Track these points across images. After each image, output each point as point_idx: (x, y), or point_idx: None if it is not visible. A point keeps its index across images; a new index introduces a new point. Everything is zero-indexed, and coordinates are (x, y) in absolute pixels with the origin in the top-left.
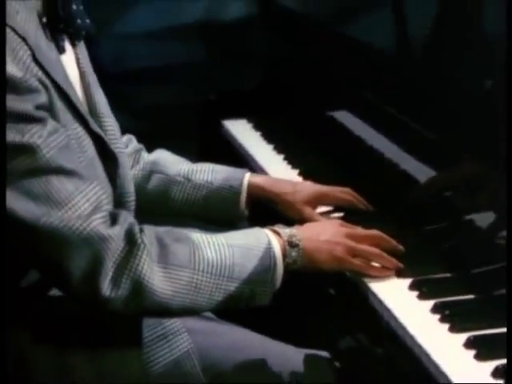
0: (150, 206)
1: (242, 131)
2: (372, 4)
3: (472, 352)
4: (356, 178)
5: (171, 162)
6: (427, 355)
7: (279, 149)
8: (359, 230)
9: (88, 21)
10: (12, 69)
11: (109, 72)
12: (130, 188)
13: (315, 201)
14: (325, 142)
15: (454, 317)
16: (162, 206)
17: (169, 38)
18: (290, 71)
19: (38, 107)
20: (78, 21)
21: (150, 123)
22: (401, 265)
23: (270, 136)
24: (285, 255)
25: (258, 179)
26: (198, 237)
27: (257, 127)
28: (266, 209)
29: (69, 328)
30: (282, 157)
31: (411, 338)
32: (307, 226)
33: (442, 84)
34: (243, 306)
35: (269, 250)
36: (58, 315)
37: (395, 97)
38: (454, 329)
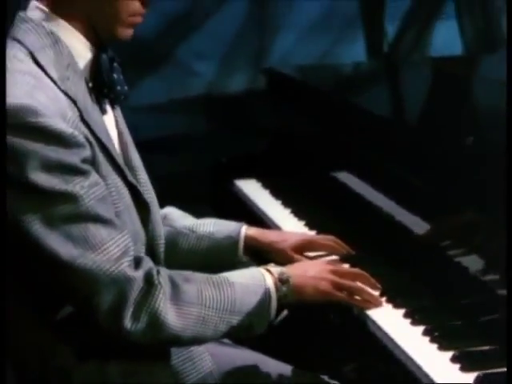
0: None
1: (253, 190)
2: (369, 74)
3: (457, 365)
4: (356, 229)
5: (178, 217)
6: (419, 368)
7: (286, 204)
8: (343, 268)
9: (126, 88)
10: (62, 126)
11: None
12: (160, 232)
13: (302, 247)
14: (327, 198)
15: (441, 337)
16: (169, 255)
17: (176, 111)
18: (294, 136)
19: (83, 161)
20: (119, 87)
21: (163, 190)
22: (381, 301)
23: (277, 193)
24: (277, 290)
25: (252, 231)
26: (203, 276)
27: (265, 186)
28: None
29: (107, 353)
30: (289, 210)
31: (402, 351)
32: (296, 265)
33: (432, 146)
34: (244, 335)
35: (263, 286)
36: (98, 342)
37: (391, 159)
38: (442, 347)
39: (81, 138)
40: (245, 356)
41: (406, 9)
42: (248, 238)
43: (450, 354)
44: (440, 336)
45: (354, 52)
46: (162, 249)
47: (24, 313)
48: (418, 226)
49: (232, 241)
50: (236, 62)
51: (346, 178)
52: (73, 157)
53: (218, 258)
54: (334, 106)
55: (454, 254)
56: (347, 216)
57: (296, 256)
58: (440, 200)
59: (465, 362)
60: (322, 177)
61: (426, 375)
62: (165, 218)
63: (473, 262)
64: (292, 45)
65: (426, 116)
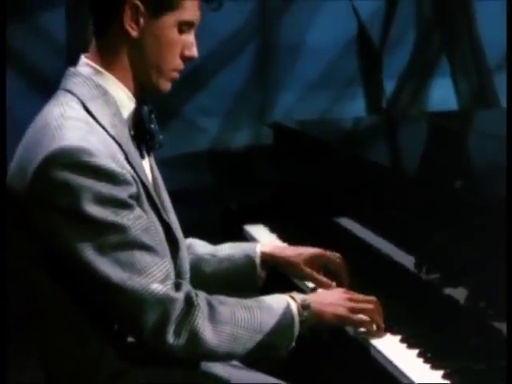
0: None
1: (261, 234)
2: (369, 128)
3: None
4: (358, 268)
5: (199, 246)
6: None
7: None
8: (358, 295)
9: (161, 137)
10: (112, 165)
11: None
12: (187, 268)
13: (313, 261)
14: (330, 241)
15: (433, 358)
16: (194, 279)
17: (183, 165)
18: (299, 184)
19: (130, 196)
20: (156, 137)
21: None
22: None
23: (284, 236)
24: (299, 314)
25: (267, 248)
26: (236, 300)
27: (272, 230)
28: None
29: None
30: None
31: (399, 371)
32: (317, 293)
33: (426, 193)
34: (268, 354)
35: (288, 310)
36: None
37: (389, 206)
38: (434, 367)
39: (128, 177)
40: (254, 377)
41: (403, 67)
42: (264, 255)
43: (441, 372)
44: (432, 357)
45: (354, 109)
46: (187, 282)
47: (72, 328)
48: (412, 263)
49: (250, 259)
50: (240, 118)
51: (347, 223)
52: (122, 192)
53: (238, 276)
54: (334, 157)
55: (444, 287)
56: (349, 257)
57: (307, 270)
58: (430, 239)
59: (455, 378)
60: (324, 222)
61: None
62: (188, 247)
63: (460, 294)
64: (294, 102)
65: (421, 165)
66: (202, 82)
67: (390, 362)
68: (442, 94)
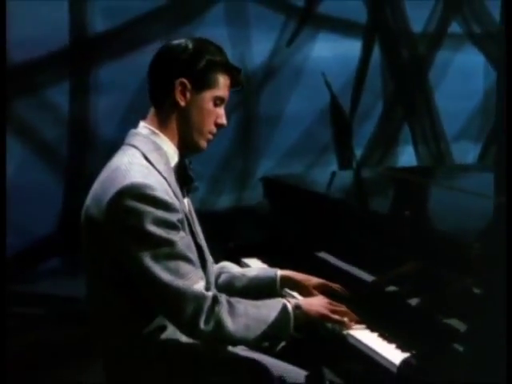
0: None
1: (254, 264)
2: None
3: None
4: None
5: (232, 266)
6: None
7: None
8: (335, 303)
9: (197, 183)
10: (166, 197)
11: None
12: (212, 280)
13: (320, 286)
14: (311, 271)
15: (389, 337)
16: (227, 292)
17: None
18: (285, 228)
19: (178, 221)
20: (194, 183)
21: None
22: (357, 319)
23: (272, 266)
24: (293, 311)
25: (285, 272)
26: (246, 301)
27: (263, 262)
28: None
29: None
30: None
31: (370, 349)
32: (305, 299)
33: (392, 231)
34: (272, 341)
35: (286, 309)
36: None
37: (361, 240)
38: (389, 342)
39: (177, 206)
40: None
41: (369, 136)
42: (283, 277)
43: (394, 345)
44: (388, 337)
45: (328, 174)
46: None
47: (126, 320)
48: (371, 279)
49: (272, 280)
50: (223, 183)
51: (324, 255)
52: (172, 217)
53: (261, 292)
54: (314, 204)
55: (406, 296)
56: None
57: (314, 293)
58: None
59: (404, 348)
60: (307, 255)
61: (384, 358)
62: (223, 267)
63: (422, 304)
64: (272, 168)
65: (381, 205)
66: None
67: (359, 341)
68: (406, 160)
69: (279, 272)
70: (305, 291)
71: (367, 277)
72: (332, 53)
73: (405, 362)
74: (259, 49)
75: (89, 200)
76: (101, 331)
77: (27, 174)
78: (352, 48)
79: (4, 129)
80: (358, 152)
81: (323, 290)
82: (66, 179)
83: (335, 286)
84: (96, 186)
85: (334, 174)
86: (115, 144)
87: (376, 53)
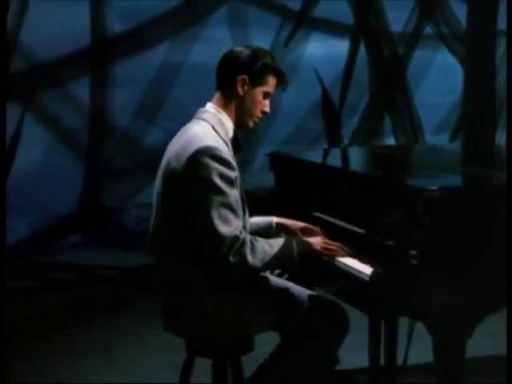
0: None
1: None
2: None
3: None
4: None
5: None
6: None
7: None
8: (330, 241)
9: (242, 148)
10: (229, 158)
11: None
12: (248, 224)
13: (303, 228)
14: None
15: (365, 260)
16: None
17: None
18: (285, 193)
19: (235, 178)
20: (242, 148)
21: None
22: (349, 251)
23: None
24: (296, 245)
25: (279, 219)
26: (262, 240)
27: None
28: None
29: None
30: None
31: (355, 270)
32: (305, 238)
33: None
34: (283, 268)
35: (291, 243)
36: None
37: (352, 199)
38: (364, 263)
39: (235, 166)
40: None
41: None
42: (277, 223)
43: (369, 265)
44: (364, 259)
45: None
46: (247, 231)
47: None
48: (360, 230)
49: (269, 225)
50: None
51: (318, 215)
52: (232, 174)
53: (260, 234)
54: (310, 173)
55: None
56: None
57: (300, 234)
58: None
59: (377, 267)
60: (304, 215)
61: (361, 272)
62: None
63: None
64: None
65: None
66: None
67: (344, 263)
68: None
69: (275, 219)
70: (291, 233)
71: (352, 227)
72: (323, 51)
73: (374, 271)
74: None
75: (169, 156)
76: (164, 263)
77: (51, 160)
78: (341, 47)
79: (4, 123)
80: (346, 141)
81: (305, 230)
82: (86, 164)
83: (315, 228)
84: (177, 146)
85: (325, 150)
86: (129, 132)
87: (363, 51)
